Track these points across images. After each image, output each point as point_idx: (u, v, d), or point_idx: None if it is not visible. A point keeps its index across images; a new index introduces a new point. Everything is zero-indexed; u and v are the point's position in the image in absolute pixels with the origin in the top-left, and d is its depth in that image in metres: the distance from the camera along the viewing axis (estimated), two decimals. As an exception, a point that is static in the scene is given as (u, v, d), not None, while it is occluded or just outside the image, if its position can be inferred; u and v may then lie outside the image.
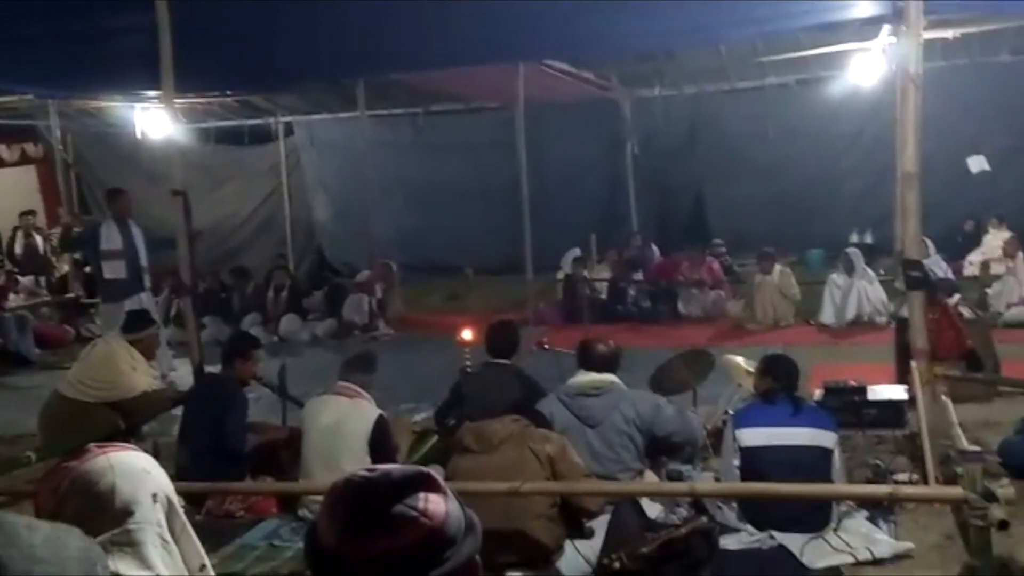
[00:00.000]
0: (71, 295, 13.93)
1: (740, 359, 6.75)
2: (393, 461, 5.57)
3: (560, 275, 13.52)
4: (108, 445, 1.94)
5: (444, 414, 6.36)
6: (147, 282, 9.83)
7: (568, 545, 4.75)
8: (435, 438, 6.40)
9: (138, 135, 15.80)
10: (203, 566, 1.99)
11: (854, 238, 14.17)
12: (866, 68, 11.48)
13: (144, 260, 9.74)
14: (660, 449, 5.58)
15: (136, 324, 7.68)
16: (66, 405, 6.96)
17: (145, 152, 15.37)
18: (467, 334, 6.96)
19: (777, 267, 11.85)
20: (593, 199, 16.36)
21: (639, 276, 13.48)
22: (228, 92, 14.71)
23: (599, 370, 5.59)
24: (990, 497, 3.96)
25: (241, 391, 6.33)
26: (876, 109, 12.11)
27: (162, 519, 1.92)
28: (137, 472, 1.91)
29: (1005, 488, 4.10)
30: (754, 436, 5.09)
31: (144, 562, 1.84)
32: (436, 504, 1.48)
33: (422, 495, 1.48)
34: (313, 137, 18.10)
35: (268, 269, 14.61)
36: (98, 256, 9.77)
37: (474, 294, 13.94)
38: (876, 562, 4.63)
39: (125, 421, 6.81)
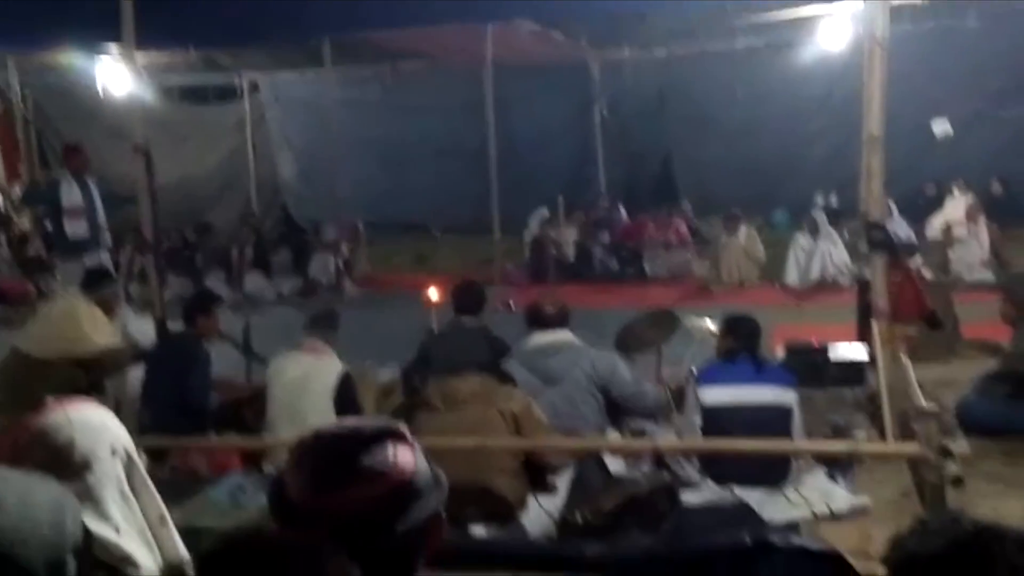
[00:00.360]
0: (31, 252, 13.75)
1: (706, 320, 6.80)
2: (359, 416, 5.59)
3: (527, 236, 13.52)
4: (66, 400, 1.93)
5: (411, 373, 6.36)
6: (107, 240, 9.68)
7: (532, 500, 4.79)
8: (401, 396, 6.41)
9: (99, 91, 15.53)
10: (163, 519, 1.99)
11: (819, 200, 14.27)
12: (834, 32, 11.52)
13: (102, 218, 9.57)
14: (618, 409, 5.63)
15: (95, 282, 7.59)
16: (26, 362, 6.88)
17: (107, 108, 15.11)
18: (433, 294, 6.96)
19: (743, 228, 11.93)
20: (561, 160, 16.33)
21: (606, 237, 13.51)
22: (191, 48, 14.47)
23: (553, 328, 5.61)
24: (946, 454, 4.05)
25: (204, 348, 6.30)
26: (844, 73, 12.14)
27: (121, 473, 1.91)
28: (95, 426, 1.90)
29: (960, 446, 4.19)
30: (716, 395, 5.15)
31: (103, 515, 1.84)
32: (405, 457, 1.50)
33: (391, 448, 1.50)
34: (278, 94, 17.89)
35: (234, 226, 14.48)
36: (59, 213, 9.58)
37: (441, 254, 13.94)
38: (833, 517, 4.71)
39: (87, 377, 6.75)
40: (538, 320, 5.69)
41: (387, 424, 1.56)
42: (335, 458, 1.47)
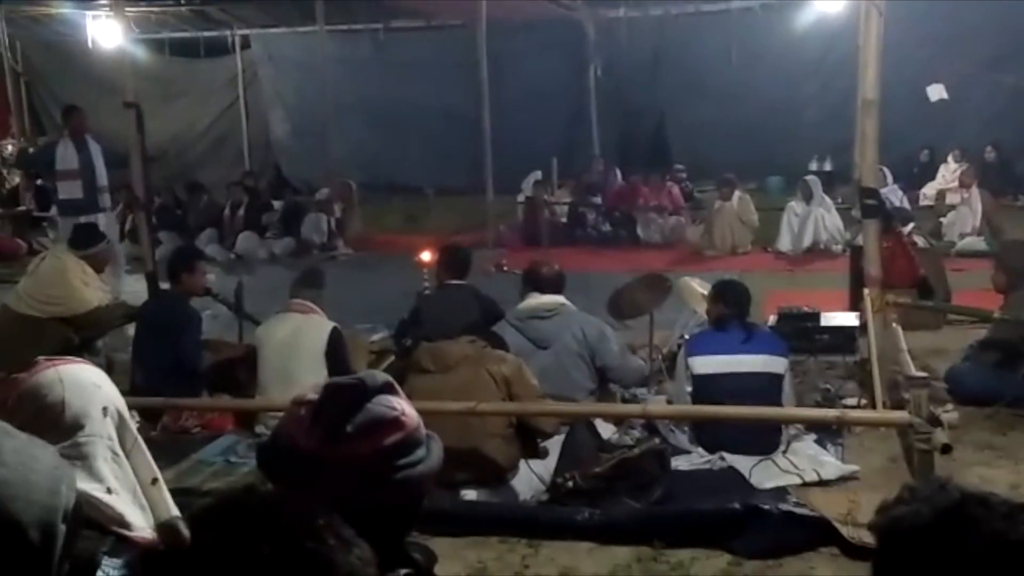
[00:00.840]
0: (23, 208, 13.68)
1: (696, 283, 6.80)
2: (349, 372, 5.59)
3: (521, 198, 13.48)
4: (57, 359, 1.92)
5: (402, 335, 6.36)
6: (105, 201, 9.50)
7: (522, 464, 4.81)
8: (392, 358, 6.42)
9: (89, 44, 15.37)
10: (155, 479, 1.98)
11: (813, 166, 14.24)
12: (831, -6, 11.43)
13: (103, 179, 9.40)
14: (602, 375, 5.64)
15: (85, 239, 7.54)
16: (16, 320, 6.86)
17: (97, 62, 14.94)
18: (426, 255, 6.93)
19: (736, 193, 11.89)
20: (555, 121, 16.24)
21: (599, 200, 13.47)
22: (182, 1, 14.32)
23: (548, 292, 5.63)
24: (935, 422, 4.06)
25: (193, 308, 6.29)
26: (839, 36, 12.07)
27: (112, 433, 1.90)
28: (87, 385, 1.89)
29: (949, 414, 4.22)
30: (706, 364, 5.16)
31: (94, 475, 1.83)
32: (407, 405, 1.53)
33: (395, 399, 1.52)
34: (271, 51, 17.73)
35: (228, 184, 14.37)
36: (53, 176, 9.47)
37: (434, 215, 13.88)
38: (822, 483, 4.74)
39: (78, 336, 6.75)
40: (535, 282, 5.70)
41: (385, 377, 1.58)
42: (348, 408, 1.48)
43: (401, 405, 1.51)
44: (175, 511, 1.94)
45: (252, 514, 1.11)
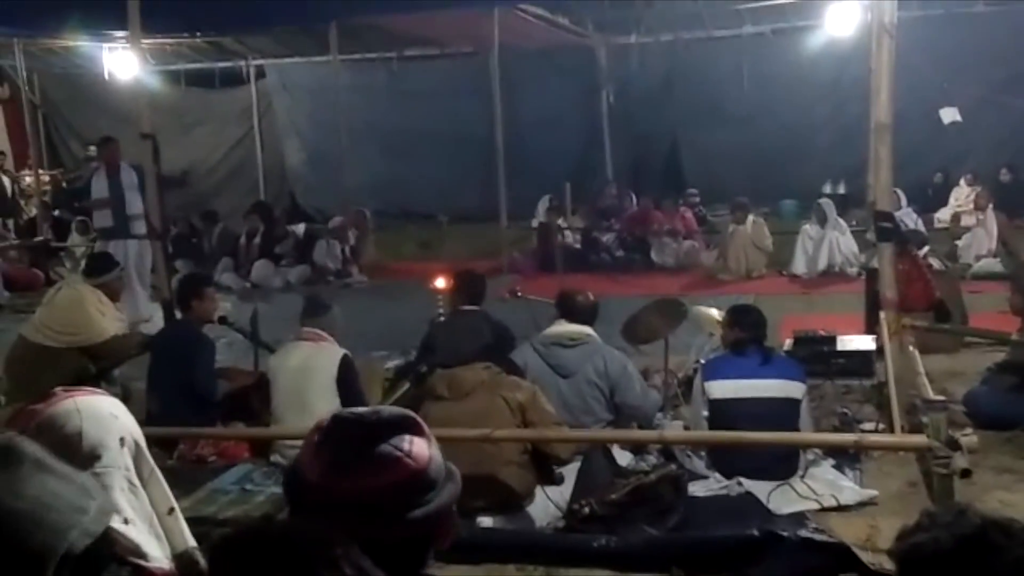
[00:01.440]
0: (40, 238, 13.78)
1: (713, 310, 6.78)
2: (362, 398, 5.61)
3: (534, 223, 13.50)
4: (75, 389, 1.93)
5: (416, 363, 6.36)
6: (138, 228, 9.58)
7: (538, 491, 4.79)
8: (407, 385, 6.41)
9: (106, 76, 15.52)
10: (171, 509, 1.99)
11: (827, 189, 14.21)
12: (842, 18, 11.46)
13: (134, 207, 9.55)
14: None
15: (98, 267, 7.58)
16: (33, 350, 6.89)
17: (113, 93, 15.09)
18: (441, 282, 6.94)
19: (750, 217, 11.88)
20: (568, 147, 16.27)
21: (613, 225, 13.48)
22: (198, 33, 14.46)
23: (577, 321, 5.61)
24: (954, 446, 4.02)
25: (206, 335, 6.32)
26: (851, 59, 12.09)
27: (129, 463, 1.91)
28: (104, 416, 1.90)
29: (968, 437, 4.17)
30: (723, 388, 5.13)
31: (111, 506, 1.84)
32: (420, 447, 1.51)
33: (408, 437, 1.51)
34: (285, 81, 17.85)
35: (244, 213, 14.46)
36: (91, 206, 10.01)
37: (448, 242, 13.92)
38: (841, 508, 4.70)
39: (94, 365, 6.77)
40: (565, 309, 5.69)
41: (405, 413, 1.57)
42: (351, 443, 1.48)
43: (410, 445, 1.49)
44: (192, 541, 1.94)
45: (269, 544, 1.11)
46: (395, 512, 1.45)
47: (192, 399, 5.92)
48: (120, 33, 11.66)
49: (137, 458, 1.93)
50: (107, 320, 7.18)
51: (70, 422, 1.84)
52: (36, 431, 1.83)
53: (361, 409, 1.58)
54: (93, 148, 15.08)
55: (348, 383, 5.66)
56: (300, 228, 14.13)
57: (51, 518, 1.33)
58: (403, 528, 1.46)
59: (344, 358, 5.72)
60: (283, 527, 1.16)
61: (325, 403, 5.35)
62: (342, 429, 1.52)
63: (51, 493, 1.36)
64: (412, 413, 1.58)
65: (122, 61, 14.13)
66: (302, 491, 1.49)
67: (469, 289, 6.35)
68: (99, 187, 9.79)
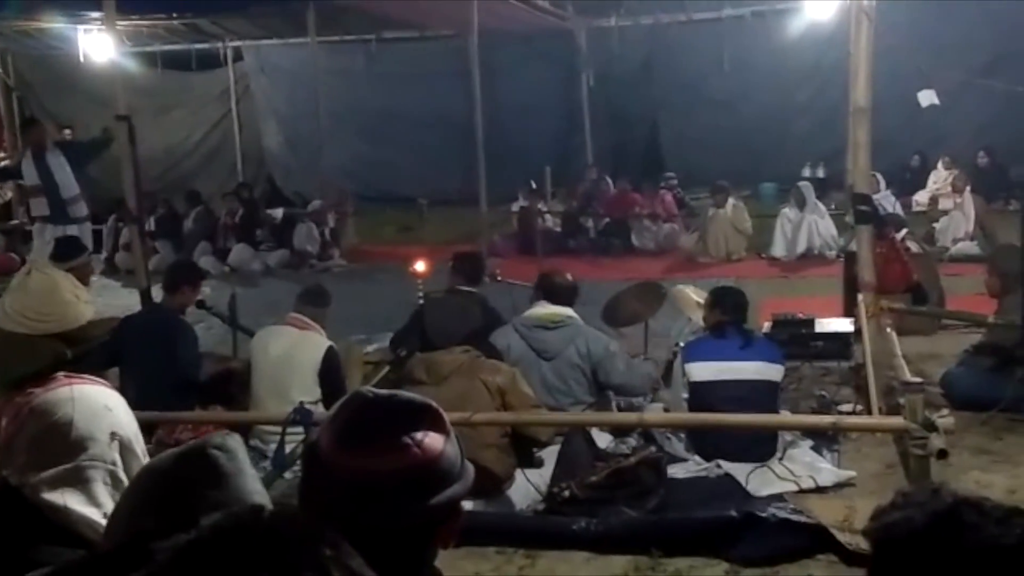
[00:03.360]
0: (15, 221, 13.65)
1: (691, 290, 6.80)
2: (343, 392, 5.55)
3: (515, 207, 13.48)
4: (77, 377, 1.92)
5: (401, 340, 6.33)
6: (77, 212, 9.15)
7: (519, 474, 4.80)
8: (386, 369, 6.40)
9: (81, 58, 15.36)
10: None
11: (806, 172, 14.26)
12: (822, 1, 11.45)
13: (68, 190, 9.06)
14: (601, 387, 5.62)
15: (66, 252, 7.50)
16: (6, 338, 6.81)
17: (89, 75, 14.93)
18: (420, 265, 6.92)
19: (730, 201, 11.91)
20: (548, 130, 16.27)
21: (593, 209, 13.48)
22: (174, 14, 14.31)
23: (558, 303, 5.61)
24: (930, 427, 4.06)
25: (186, 320, 6.27)
26: (831, 43, 12.11)
27: (117, 458, 1.89)
28: (98, 408, 1.88)
29: (945, 419, 4.20)
30: (702, 370, 5.15)
31: (92, 500, 1.83)
32: (434, 440, 1.48)
33: (423, 428, 1.48)
34: (263, 63, 17.74)
35: (223, 195, 14.35)
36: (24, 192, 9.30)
37: (428, 225, 13.89)
38: (819, 490, 4.74)
39: (70, 350, 6.70)
40: (546, 291, 5.69)
41: (428, 404, 1.53)
42: (363, 422, 1.47)
43: (423, 436, 1.46)
44: None
45: (253, 542, 1.08)
46: (396, 501, 1.42)
47: (172, 383, 5.86)
48: (96, 14, 11.53)
49: (126, 455, 1.91)
50: (82, 305, 7.10)
51: (62, 409, 1.84)
52: (30, 413, 1.84)
53: (383, 391, 1.55)
54: (68, 131, 14.97)
55: (331, 376, 5.61)
56: (278, 212, 14.05)
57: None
58: (402, 519, 1.43)
59: (329, 350, 5.67)
60: (269, 522, 1.12)
61: (305, 393, 5.30)
62: (357, 406, 1.50)
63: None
64: (436, 406, 1.54)
65: (98, 43, 13.96)
66: (313, 462, 1.48)
67: (467, 269, 6.35)
68: (29, 173, 9.10)
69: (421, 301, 6.53)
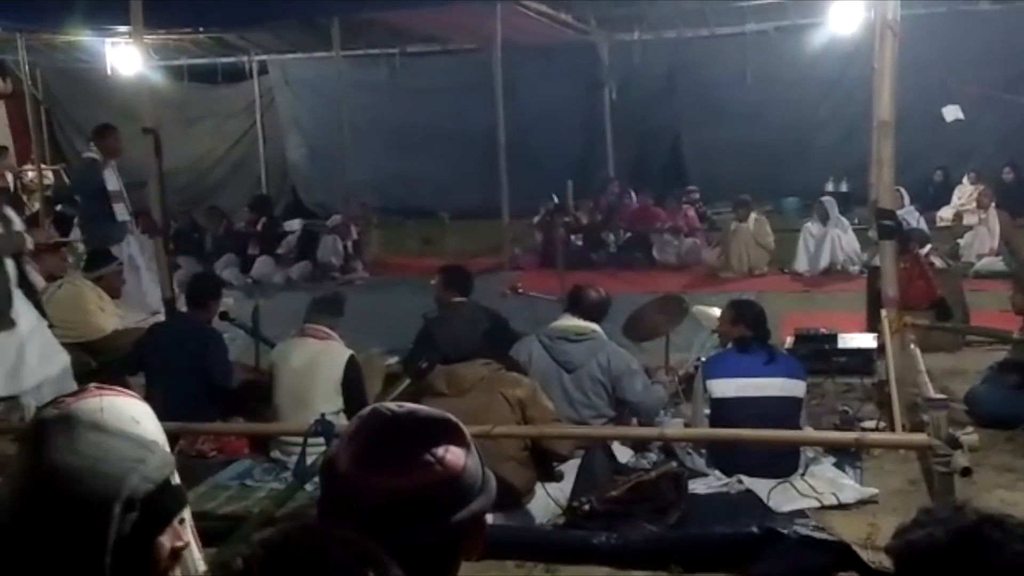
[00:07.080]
0: (43, 234, 13.75)
1: (714, 309, 6.77)
2: (365, 402, 5.58)
3: (536, 220, 13.48)
4: (108, 388, 1.92)
5: (413, 358, 6.34)
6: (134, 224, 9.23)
7: (538, 488, 4.79)
8: (407, 381, 6.40)
9: (108, 71, 15.52)
10: (181, 520, 1.98)
11: (829, 187, 14.18)
12: (845, 15, 11.42)
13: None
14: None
15: (97, 262, 7.57)
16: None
17: (116, 89, 15.07)
18: (441, 278, 6.93)
19: (752, 215, 11.86)
20: (570, 143, 16.25)
21: (615, 223, 13.47)
22: (200, 29, 14.45)
23: (584, 317, 5.60)
24: (954, 444, 4.02)
25: (215, 328, 6.31)
26: (854, 57, 12.09)
27: None
28: (125, 420, 1.89)
29: (969, 436, 4.16)
30: (724, 387, 5.12)
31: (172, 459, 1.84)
32: (455, 456, 1.46)
33: (444, 443, 1.47)
34: (287, 76, 17.85)
35: (247, 207, 14.42)
36: (107, 198, 8.92)
37: (450, 238, 13.92)
38: (841, 507, 4.70)
39: (95, 360, 6.77)
40: (574, 304, 5.69)
41: (448, 419, 1.52)
42: (382, 439, 1.46)
43: (445, 452, 1.45)
44: (202, 566, 1.90)
45: (301, 560, 1.08)
46: (417, 518, 1.41)
47: (203, 392, 5.89)
48: (123, 28, 11.66)
49: None
50: (106, 316, 7.18)
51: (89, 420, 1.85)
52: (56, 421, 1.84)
53: (402, 406, 1.54)
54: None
55: (353, 386, 5.64)
56: (295, 224, 14.09)
57: (105, 469, 1.51)
58: (426, 537, 1.42)
59: (351, 359, 5.70)
60: (317, 540, 1.12)
61: (328, 404, 5.34)
62: (377, 424, 1.49)
63: (104, 448, 1.54)
64: (456, 420, 1.52)
65: (125, 56, 14.12)
66: (332, 480, 1.47)
67: (455, 281, 6.35)
68: (112, 179, 8.94)
69: (433, 314, 6.54)
